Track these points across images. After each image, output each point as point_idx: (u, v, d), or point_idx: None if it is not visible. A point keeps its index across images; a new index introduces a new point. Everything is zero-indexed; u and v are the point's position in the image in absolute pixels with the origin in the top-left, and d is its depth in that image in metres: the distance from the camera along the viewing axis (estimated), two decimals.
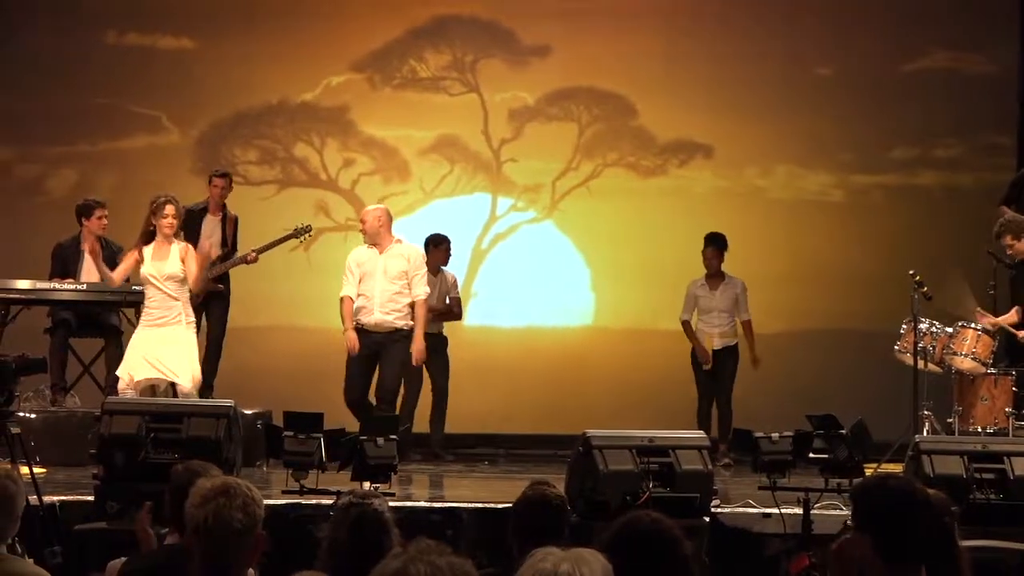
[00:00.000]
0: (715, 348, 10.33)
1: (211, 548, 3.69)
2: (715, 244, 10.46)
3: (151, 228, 8.91)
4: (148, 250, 8.89)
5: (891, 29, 12.24)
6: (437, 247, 10.50)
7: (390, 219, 9.62)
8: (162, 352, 8.77)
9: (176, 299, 8.87)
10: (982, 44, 12.31)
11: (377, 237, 9.47)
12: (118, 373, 8.94)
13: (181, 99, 12.39)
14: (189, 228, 10.35)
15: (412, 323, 9.43)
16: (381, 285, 9.41)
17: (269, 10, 12.30)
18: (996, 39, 12.27)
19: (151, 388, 9.06)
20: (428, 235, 10.60)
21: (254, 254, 10.35)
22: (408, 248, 9.61)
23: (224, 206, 10.53)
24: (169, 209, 8.86)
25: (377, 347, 9.42)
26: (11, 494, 4.13)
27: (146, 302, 8.98)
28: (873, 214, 12.29)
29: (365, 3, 12.44)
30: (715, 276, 10.44)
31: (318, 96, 12.42)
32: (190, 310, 9.00)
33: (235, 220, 10.56)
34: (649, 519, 3.34)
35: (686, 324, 10.40)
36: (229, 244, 10.45)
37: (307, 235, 10.58)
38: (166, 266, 8.85)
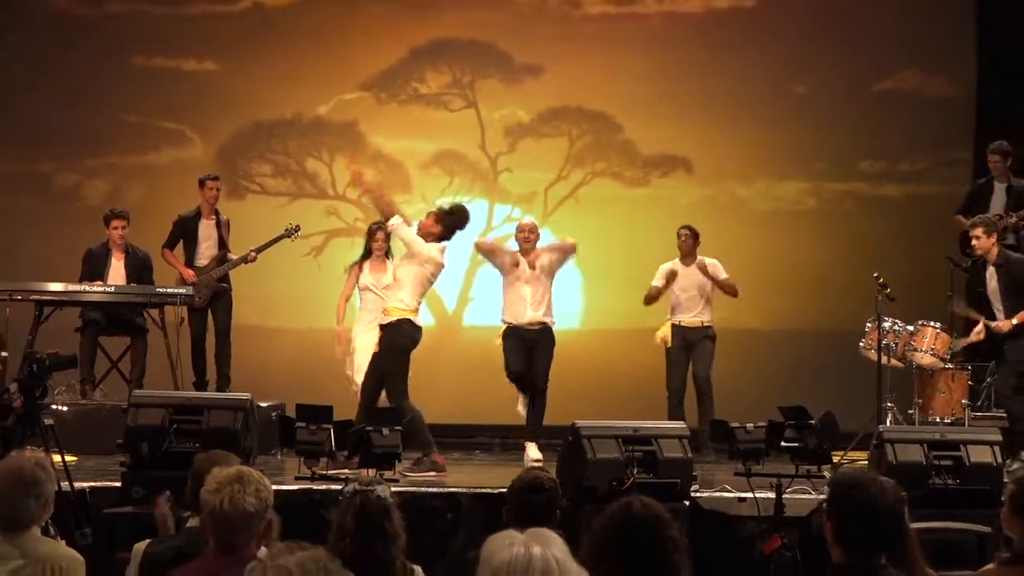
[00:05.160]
0: None
1: (226, 529, 3.73)
2: None
3: (368, 248, 9.90)
4: (367, 265, 9.87)
5: (862, 51, 12.25)
6: None
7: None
8: None
9: None
10: (945, 67, 12.34)
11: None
12: (354, 375, 9.56)
13: (203, 116, 12.46)
14: (185, 233, 10.43)
15: None
16: None
17: (284, 35, 12.36)
18: (957, 63, 12.29)
19: None
20: None
21: (254, 254, 10.44)
22: None
23: (216, 210, 10.56)
24: (380, 234, 9.80)
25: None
26: (41, 480, 4.17)
27: (363, 306, 9.84)
28: (844, 222, 12.32)
29: (372, 27, 12.47)
30: None
31: (329, 111, 12.48)
32: None
33: (227, 223, 10.58)
34: (641, 503, 3.32)
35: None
36: (226, 246, 10.49)
37: (296, 234, 10.63)
38: (383, 278, 9.68)
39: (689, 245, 10.27)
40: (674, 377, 10.12)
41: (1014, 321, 9.00)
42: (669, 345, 10.20)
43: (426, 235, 8.80)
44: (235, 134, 12.52)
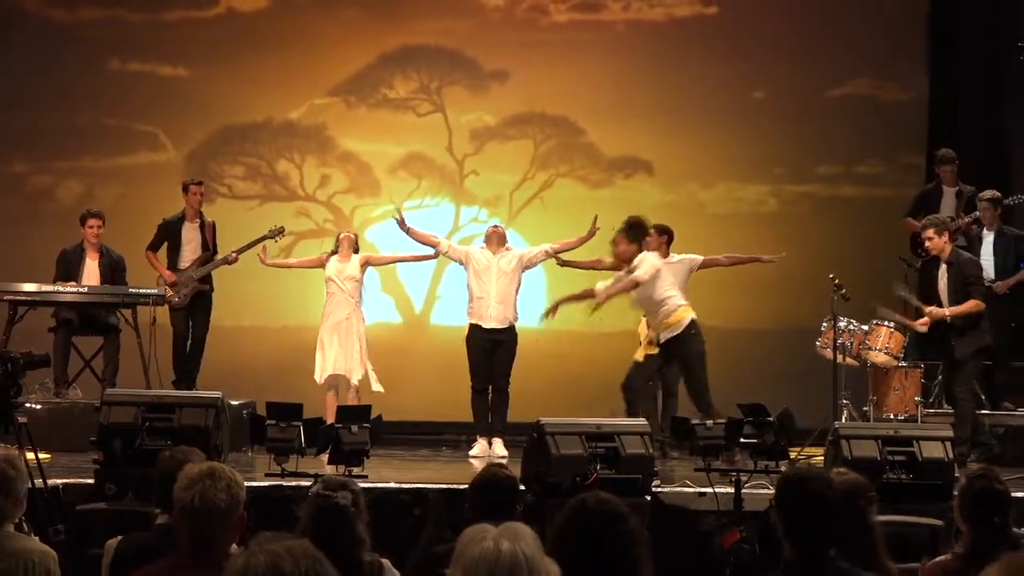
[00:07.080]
0: None
1: (198, 526, 3.70)
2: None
3: (336, 246, 10.03)
4: (334, 257, 9.95)
5: (819, 58, 12.32)
6: None
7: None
8: (346, 350, 9.72)
9: (352, 298, 9.83)
10: (898, 74, 12.43)
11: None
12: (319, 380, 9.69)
13: (177, 119, 12.40)
14: (170, 237, 10.38)
15: None
16: None
17: (256, 41, 12.31)
18: (910, 70, 12.38)
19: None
20: None
21: (235, 255, 10.38)
22: None
23: (200, 213, 10.52)
24: (343, 237, 10.02)
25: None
26: (11, 478, 4.13)
27: (328, 300, 9.89)
28: (802, 223, 12.37)
29: (342, 34, 12.46)
30: None
31: (300, 116, 12.46)
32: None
33: (213, 226, 10.55)
34: (596, 499, 3.30)
35: None
36: (210, 248, 10.46)
37: (280, 235, 10.55)
38: (347, 267, 9.87)
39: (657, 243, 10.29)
40: (636, 377, 10.04)
41: (952, 311, 9.01)
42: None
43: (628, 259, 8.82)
44: (207, 138, 12.47)
